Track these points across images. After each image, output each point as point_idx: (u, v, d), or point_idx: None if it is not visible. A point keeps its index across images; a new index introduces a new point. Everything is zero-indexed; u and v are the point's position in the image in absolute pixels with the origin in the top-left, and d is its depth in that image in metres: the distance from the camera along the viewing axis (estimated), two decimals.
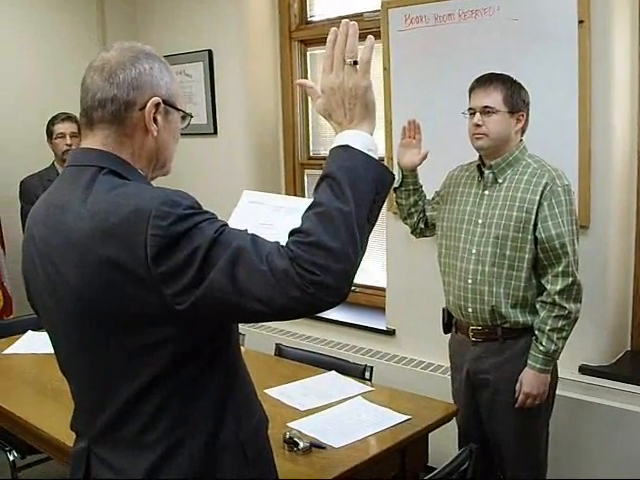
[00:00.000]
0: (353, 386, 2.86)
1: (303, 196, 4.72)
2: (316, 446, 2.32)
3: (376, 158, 1.39)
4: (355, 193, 1.32)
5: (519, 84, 2.73)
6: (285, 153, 4.87)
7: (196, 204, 1.36)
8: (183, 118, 1.58)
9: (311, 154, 4.84)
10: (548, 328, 2.64)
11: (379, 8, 3.87)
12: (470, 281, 2.78)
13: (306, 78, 4.72)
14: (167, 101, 1.51)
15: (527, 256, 2.67)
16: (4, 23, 4.69)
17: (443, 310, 3.02)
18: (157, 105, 1.48)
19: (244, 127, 4.72)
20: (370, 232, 1.37)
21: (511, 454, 2.82)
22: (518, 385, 2.71)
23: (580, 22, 3.09)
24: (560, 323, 2.64)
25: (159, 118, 1.50)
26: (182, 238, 1.29)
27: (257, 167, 4.76)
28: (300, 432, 2.38)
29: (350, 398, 2.73)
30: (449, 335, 3.05)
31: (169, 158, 1.58)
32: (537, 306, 2.70)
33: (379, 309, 4.31)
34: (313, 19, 4.67)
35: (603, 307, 3.20)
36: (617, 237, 3.25)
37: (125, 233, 1.32)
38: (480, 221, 2.77)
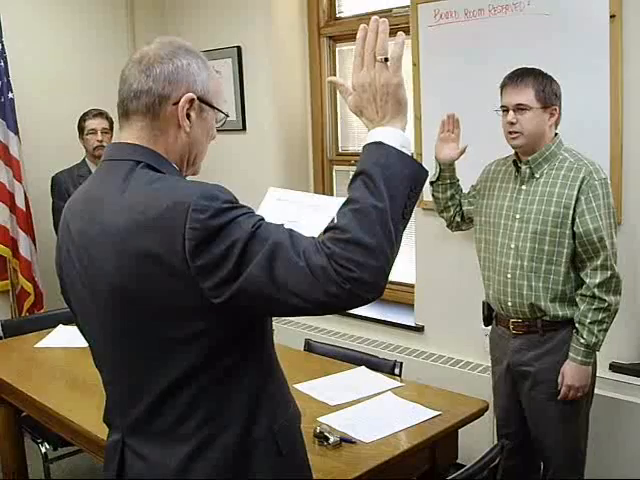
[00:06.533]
0: (383, 381, 2.86)
1: (332, 192, 4.73)
2: (346, 441, 2.32)
3: (410, 154, 1.39)
4: (390, 189, 1.32)
5: (550, 77, 2.72)
6: (314, 149, 4.86)
7: (234, 198, 1.38)
8: (218, 115, 1.59)
9: (340, 150, 4.80)
10: (588, 321, 2.65)
11: (408, 4, 3.85)
12: (509, 276, 2.80)
13: (335, 74, 4.71)
14: (202, 98, 1.52)
15: (566, 251, 2.68)
16: (36, 23, 4.74)
17: (483, 303, 3.02)
18: (191, 101, 1.49)
19: (273, 123, 4.73)
20: (405, 228, 1.37)
21: (551, 444, 2.83)
22: (560, 378, 2.72)
23: (612, 16, 3.06)
24: (600, 316, 2.64)
25: (193, 114, 1.51)
26: (220, 232, 1.30)
27: (286, 163, 4.77)
28: (330, 427, 2.39)
29: (380, 393, 2.73)
30: (480, 331, 3.05)
31: (200, 156, 1.59)
32: (577, 299, 2.70)
33: (408, 305, 4.30)
34: (342, 15, 4.66)
35: (634, 304, 3.17)
36: None
37: (163, 226, 1.33)
38: (518, 216, 2.78)
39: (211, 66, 1.57)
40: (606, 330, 2.68)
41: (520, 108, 2.69)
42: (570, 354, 2.70)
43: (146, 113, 1.48)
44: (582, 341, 2.66)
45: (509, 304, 2.81)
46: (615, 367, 3.26)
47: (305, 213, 1.78)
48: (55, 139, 4.66)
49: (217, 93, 1.57)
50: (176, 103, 1.48)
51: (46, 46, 4.76)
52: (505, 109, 2.75)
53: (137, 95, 1.47)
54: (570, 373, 2.69)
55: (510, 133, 2.74)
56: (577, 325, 2.68)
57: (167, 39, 1.53)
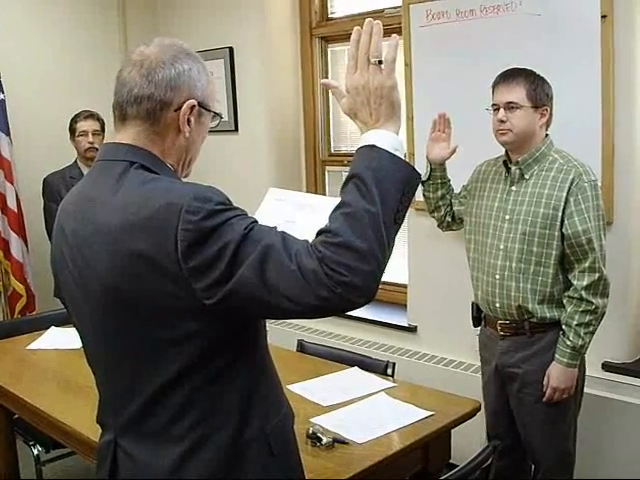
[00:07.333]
0: (375, 382, 2.86)
1: (324, 192, 4.73)
2: (339, 441, 2.32)
3: (402, 158, 1.38)
4: (382, 193, 1.32)
5: (542, 78, 2.73)
6: (306, 150, 4.86)
7: (227, 200, 1.38)
8: (213, 118, 1.59)
9: (332, 151, 4.80)
10: (575, 323, 2.64)
11: (400, 4, 3.85)
12: (498, 277, 2.79)
13: (327, 75, 4.72)
14: (202, 103, 1.52)
15: (554, 252, 2.67)
16: (28, 23, 4.72)
17: (472, 304, 3.02)
18: (192, 107, 1.49)
19: (265, 124, 4.72)
20: (397, 232, 1.37)
21: (540, 445, 2.83)
22: (546, 379, 2.71)
23: (603, 17, 3.06)
24: (587, 318, 2.64)
25: (192, 120, 1.51)
26: (213, 233, 1.31)
27: (278, 164, 4.76)
28: (323, 427, 2.38)
29: (373, 394, 2.73)
30: (472, 331, 3.05)
31: (194, 157, 1.59)
32: (564, 301, 2.70)
33: (400, 305, 4.30)
34: (334, 16, 4.66)
35: (626, 304, 3.18)
36: None
37: (156, 227, 1.33)
38: (507, 217, 2.77)
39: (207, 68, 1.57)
40: (593, 333, 2.67)
41: (511, 106, 2.69)
42: (556, 356, 2.70)
43: (146, 118, 1.48)
44: (568, 343, 2.65)
45: (497, 305, 2.81)
46: (608, 367, 3.27)
47: (304, 214, 1.79)
48: (46, 140, 4.65)
49: (213, 94, 1.57)
50: (177, 109, 1.48)
51: (37, 46, 4.74)
52: (496, 107, 2.75)
53: (138, 100, 1.46)
54: (555, 375, 2.69)
55: (499, 131, 2.74)
56: (564, 327, 2.68)
57: (167, 41, 1.52)
